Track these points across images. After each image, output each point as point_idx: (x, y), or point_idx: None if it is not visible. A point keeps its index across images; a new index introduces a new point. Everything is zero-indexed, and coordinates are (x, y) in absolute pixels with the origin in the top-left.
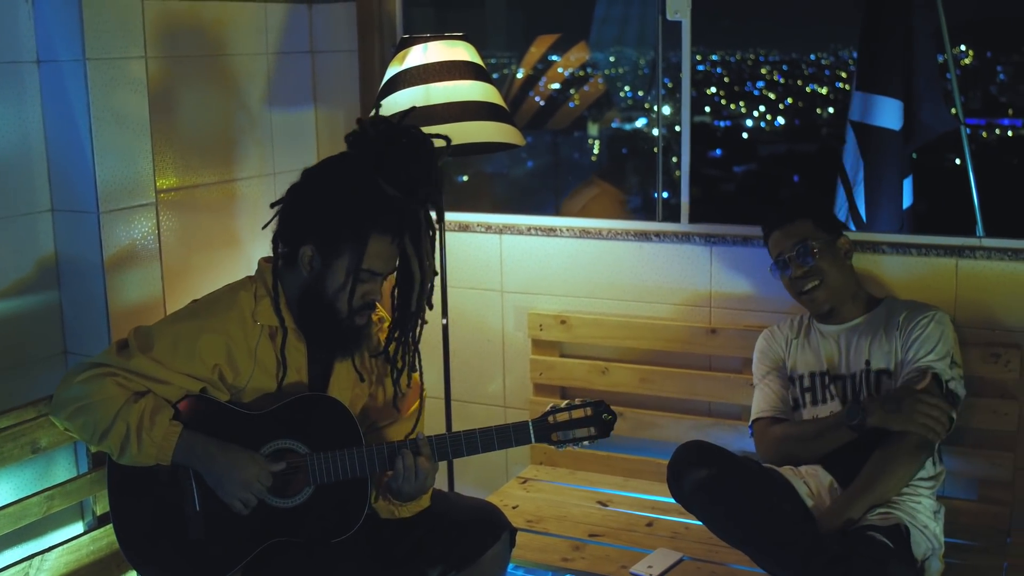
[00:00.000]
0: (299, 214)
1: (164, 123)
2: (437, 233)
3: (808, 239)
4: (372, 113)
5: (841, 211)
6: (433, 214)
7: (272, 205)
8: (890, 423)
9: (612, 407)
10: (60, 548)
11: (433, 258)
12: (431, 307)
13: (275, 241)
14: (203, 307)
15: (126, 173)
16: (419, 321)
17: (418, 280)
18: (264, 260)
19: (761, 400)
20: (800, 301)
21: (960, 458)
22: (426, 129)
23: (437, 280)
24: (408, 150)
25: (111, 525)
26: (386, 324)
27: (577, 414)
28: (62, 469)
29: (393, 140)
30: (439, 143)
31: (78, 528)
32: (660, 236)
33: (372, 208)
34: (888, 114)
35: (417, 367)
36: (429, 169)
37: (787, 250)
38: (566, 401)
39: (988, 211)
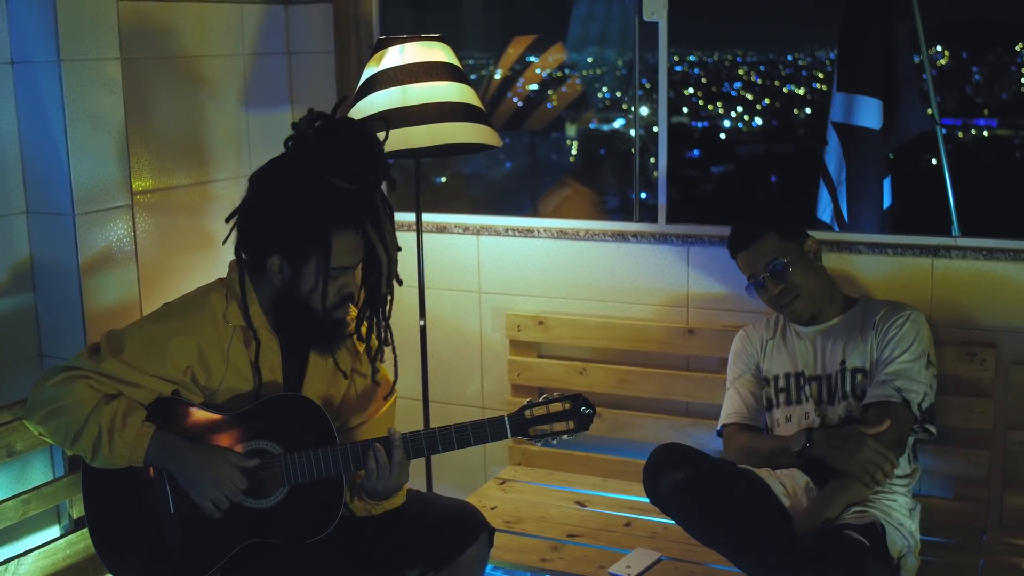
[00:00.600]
0: (258, 226)
1: (140, 125)
2: (393, 211)
3: (777, 256)
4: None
5: (826, 212)
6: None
7: (227, 220)
8: (832, 459)
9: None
10: (36, 552)
11: (394, 236)
12: (400, 283)
13: (238, 251)
14: (174, 309)
15: (101, 175)
16: (388, 298)
17: (385, 263)
18: (234, 262)
19: (729, 406)
20: (781, 313)
21: (936, 456)
22: (404, 130)
23: (415, 281)
24: (349, 141)
25: (87, 529)
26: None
27: (555, 408)
28: (38, 473)
29: (332, 134)
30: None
31: (54, 532)
32: (637, 237)
33: (329, 207)
34: (869, 114)
35: (390, 341)
36: (374, 154)
37: (760, 271)
38: (544, 395)
39: (964, 211)
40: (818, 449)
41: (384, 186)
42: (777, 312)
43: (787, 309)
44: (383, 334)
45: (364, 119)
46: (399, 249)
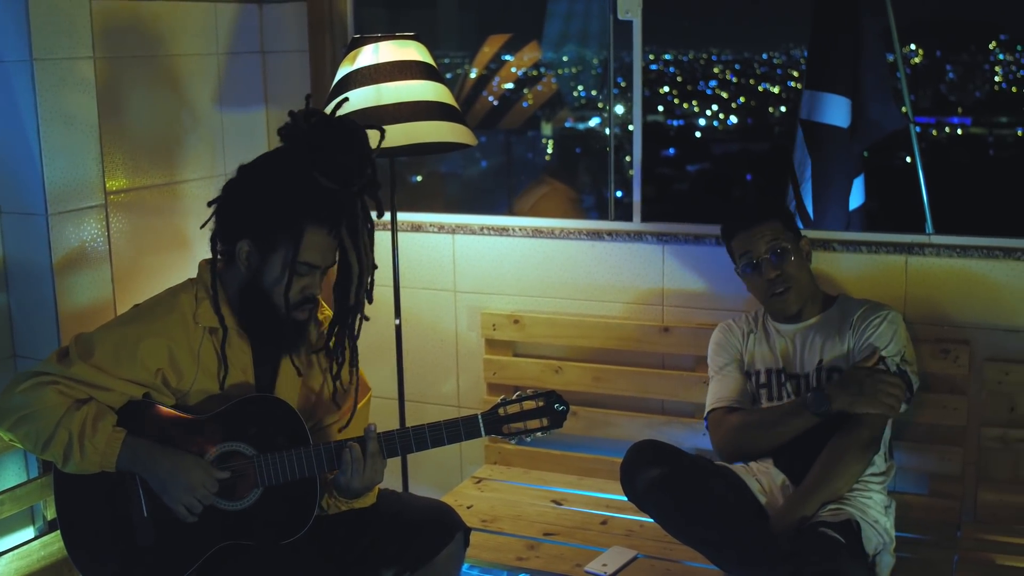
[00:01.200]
0: (235, 210)
1: (113, 124)
2: (374, 225)
3: (780, 241)
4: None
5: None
6: (374, 213)
7: (209, 204)
8: (856, 407)
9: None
10: (10, 554)
11: (371, 251)
12: (370, 300)
13: (213, 240)
14: (144, 311)
15: (75, 175)
16: (358, 315)
17: (356, 272)
18: (204, 262)
19: (718, 390)
20: (769, 303)
21: (910, 453)
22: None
23: (390, 280)
24: (342, 141)
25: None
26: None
27: (528, 405)
28: (11, 474)
29: (326, 132)
30: (374, 135)
31: (28, 533)
32: (613, 235)
33: (307, 200)
34: (836, 111)
35: (356, 362)
36: (363, 159)
37: (760, 252)
38: (517, 392)
39: (937, 208)
40: (839, 403)
41: (367, 199)
42: (765, 301)
43: (776, 299)
44: (345, 353)
45: (349, 118)
46: (375, 267)
